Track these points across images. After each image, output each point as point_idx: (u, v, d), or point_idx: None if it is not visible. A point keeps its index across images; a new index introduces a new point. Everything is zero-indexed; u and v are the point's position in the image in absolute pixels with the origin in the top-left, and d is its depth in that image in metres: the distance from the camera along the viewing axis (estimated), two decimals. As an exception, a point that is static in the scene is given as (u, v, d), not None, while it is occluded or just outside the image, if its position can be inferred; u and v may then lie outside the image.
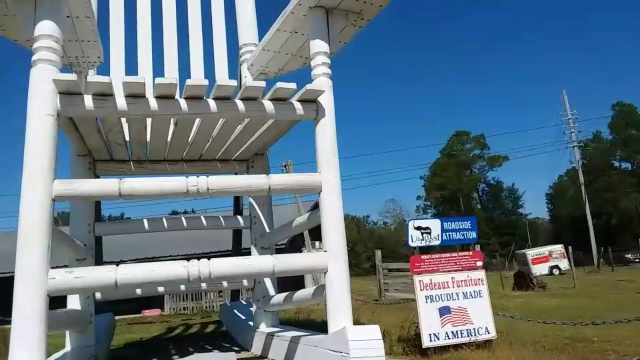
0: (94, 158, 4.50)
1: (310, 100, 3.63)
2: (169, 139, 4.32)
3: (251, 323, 4.80)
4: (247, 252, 4.66)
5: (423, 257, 4.22)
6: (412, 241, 4.30)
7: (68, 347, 4.12)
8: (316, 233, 17.87)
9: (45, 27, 3.09)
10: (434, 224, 4.36)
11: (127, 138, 4.24)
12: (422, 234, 4.24)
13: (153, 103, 3.26)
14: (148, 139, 4.25)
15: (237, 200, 5.84)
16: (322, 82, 3.65)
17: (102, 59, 3.98)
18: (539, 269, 26.95)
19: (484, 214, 50.29)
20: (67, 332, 4.10)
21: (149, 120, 3.96)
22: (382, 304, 9.91)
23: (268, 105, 3.53)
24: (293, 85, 3.51)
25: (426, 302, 4.08)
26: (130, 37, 4.58)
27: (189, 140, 4.46)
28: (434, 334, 4.01)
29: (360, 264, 49.01)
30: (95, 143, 4.17)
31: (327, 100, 3.67)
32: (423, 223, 4.33)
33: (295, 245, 17.54)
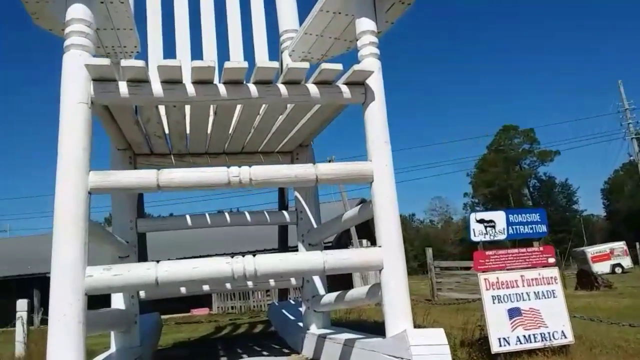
0: (134, 152, 4.35)
1: (358, 83, 3.33)
2: (209, 130, 4.11)
3: (301, 324, 4.53)
4: (294, 250, 4.40)
5: (488, 253, 3.83)
6: (474, 235, 3.92)
7: (113, 348, 3.97)
8: (364, 230, 17.54)
9: (77, 11, 2.93)
10: (499, 217, 3.96)
11: (167, 130, 4.06)
12: (486, 227, 3.85)
13: (190, 89, 3.05)
14: (188, 130, 4.06)
15: (282, 195, 5.60)
16: (370, 62, 3.35)
17: (139, 48, 3.81)
18: (600, 267, 25.61)
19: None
20: (112, 333, 3.95)
21: (187, 110, 3.75)
22: (435, 304, 9.48)
23: (312, 89, 3.26)
24: (339, 67, 3.21)
25: (493, 302, 3.70)
26: (167, 24, 4.41)
27: (230, 131, 4.24)
28: (504, 338, 3.63)
29: (407, 262, 48.10)
30: (134, 136, 4.00)
31: (376, 82, 3.36)
32: (486, 215, 3.94)
33: (341, 243, 17.24)
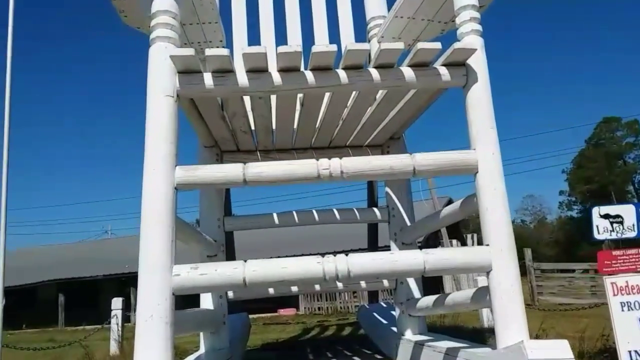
0: (221, 149, 4.27)
1: (459, 64, 2.99)
2: (295, 124, 3.94)
3: (394, 329, 4.24)
4: (384, 250, 4.11)
5: (615, 253, 3.32)
6: (598, 233, 3.41)
7: (202, 349, 3.90)
8: (453, 232, 16.80)
9: (163, 3, 2.85)
10: (627, 211, 3.41)
11: (252, 125, 3.93)
12: (612, 223, 3.33)
13: (276, 77, 2.87)
14: (274, 124, 3.91)
15: (372, 191, 5.32)
16: (472, 40, 2.99)
17: (225, 42, 3.70)
18: None
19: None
20: (201, 333, 3.88)
21: (273, 103, 3.60)
22: (536, 309, 8.77)
23: (407, 72, 2.96)
24: (438, 45, 2.89)
25: (622, 310, 3.19)
26: (251, 14, 4.30)
27: (317, 124, 4.03)
28: (636, 352, 3.12)
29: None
30: (220, 132, 3.91)
31: (479, 62, 3.00)
32: (612, 209, 3.42)
33: (429, 245, 16.66)
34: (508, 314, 2.67)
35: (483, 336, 4.74)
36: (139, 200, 2.69)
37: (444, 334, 4.35)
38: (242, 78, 2.87)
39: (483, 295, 2.88)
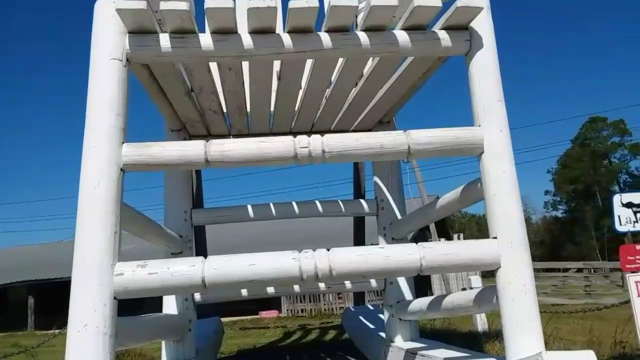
0: (190, 134, 3.79)
1: (461, 27, 2.57)
2: (272, 104, 3.48)
3: (383, 334, 3.79)
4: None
5: (639, 247, 2.91)
6: (620, 224, 2.99)
7: (165, 360, 3.42)
8: (441, 230, 16.34)
9: (110, -51, 2.38)
10: (654, 198, 2.99)
11: (224, 105, 3.46)
12: (635, 212, 2.92)
13: (247, 40, 2.42)
14: (248, 104, 3.44)
15: (358, 181, 4.87)
16: None
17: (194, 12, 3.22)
18: None
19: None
20: (163, 343, 3.40)
21: (246, 76, 3.14)
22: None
23: (401, 36, 2.53)
24: (438, 2, 2.46)
25: (647, 313, 2.79)
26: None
27: (297, 105, 3.58)
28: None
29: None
30: (186, 112, 3.43)
31: (484, 25, 2.58)
32: (636, 197, 3.00)
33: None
34: (520, 319, 2.24)
35: (479, 342, 4.33)
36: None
37: (436, 339, 3.92)
38: (206, 40, 2.41)
39: (489, 296, 2.45)
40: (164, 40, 2.39)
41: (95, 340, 1.99)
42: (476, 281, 6.26)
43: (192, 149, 2.32)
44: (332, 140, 2.40)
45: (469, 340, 4.36)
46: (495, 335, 4.44)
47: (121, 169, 2.24)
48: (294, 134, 3.98)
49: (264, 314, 14.83)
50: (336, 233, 9.76)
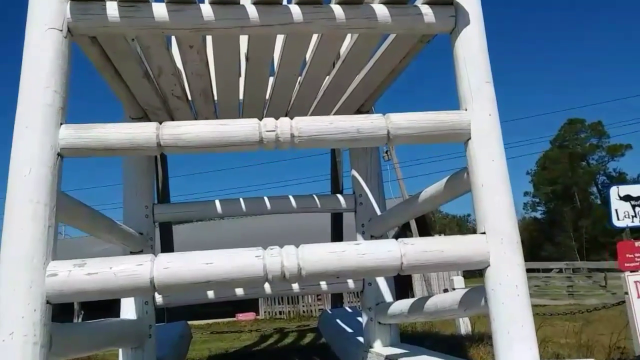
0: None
1: (445, 2, 2.32)
2: (241, 89, 3.20)
3: (361, 339, 3.53)
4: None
5: (639, 244, 2.68)
6: (617, 219, 2.77)
7: (121, 370, 3.12)
8: (422, 230, 16.15)
9: None
10: (653, 191, 2.76)
11: (187, 89, 3.17)
12: (634, 206, 2.68)
13: (207, 10, 2.14)
14: (214, 88, 3.16)
15: (336, 175, 4.61)
16: (461, -28, 2.34)
17: None
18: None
19: (605, 209, 44.85)
20: (120, 351, 3.10)
21: (210, 57, 2.86)
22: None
23: (380, 10, 2.27)
24: (420, -28, 2.22)
25: (647, 315, 2.57)
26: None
27: (268, 92, 3.32)
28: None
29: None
30: (146, 97, 3.13)
31: (471, 0, 2.35)
32: (634, 190, 2.77)
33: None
34: (512, 325, 2.00)
35: (463, 346, 4.10)
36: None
37: (417, 343, 3.68)
38: (160, 10, 2.13)
39: (476, 298, 2.20)
40: (111, 8, 2.10)
41: (23, 351, 1.70)
42: (459, 282, 6.04)
43: (141, 131, 2.03)
44: (302, 124, 2.13)
45: (452, 344, 4.14)
46: (479, 338, 4.22)
47: (58, 154, 1.95)
48: (266, 123, 3.73)
49: (241, 316, 14.48)
50: (313, 228, 9.48)
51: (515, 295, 2.03)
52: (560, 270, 13.13)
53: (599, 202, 47.74)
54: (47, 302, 1.80)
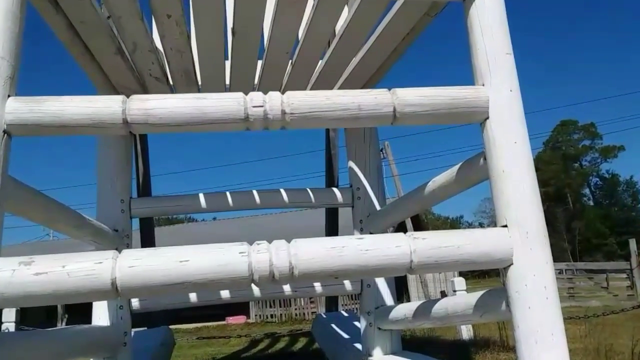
0: (129, 108, 3.17)
1: (458, -37, 2.04)
2: (228, 69, 2.90)
3: (359, 346, 3.23)
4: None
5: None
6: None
7: (94, 382, 2.79)
8: (418, 229, 15.75)
9: None
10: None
11: (167, 69, 2.86)
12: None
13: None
14: (197, 67, 2.85)
15: (331, 167, 4.30)
16: None
17: None
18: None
19: (598, 211, 44.92)
20: (90, 360, 2.77)
21: (192, 29, 2.56)
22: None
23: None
24: None
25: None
26: None
27: (258, 74, 3.02)
28: None
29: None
30: (121, 78, 2.81)
31: (487, -39, 2.06)
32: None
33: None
34: (541, 332, 1.71)
35: (468, 352, 3.82)
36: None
37: (419, 350, 3.38)
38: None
39: (495, 302, 1.91)
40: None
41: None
42: (460, 283, 5.74)
43: (104, 105, 1.71)
44: (295, 99, 1.83)
45: (456, 351, 3.85)
46: (485, 344, 3.94)
47: (4, 131, 1.63)
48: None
49: (231, 319, 14.10)
50: (308, 227, 9.18)
51: (543, 298, 1.74)
52: (561, 272, 12.92)
53: (592, 203, 47.81)
54: (-14, 308, 1.48)
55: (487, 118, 1.92)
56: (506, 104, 1.91)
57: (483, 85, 1.95)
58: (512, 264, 1.78)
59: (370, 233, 3.20)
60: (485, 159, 1.95)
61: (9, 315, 5.77)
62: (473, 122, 1.98)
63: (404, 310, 2.71)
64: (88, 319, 2.89)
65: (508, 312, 1.80)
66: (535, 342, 1.71)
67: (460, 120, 1.98)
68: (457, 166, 2.22)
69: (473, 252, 1.80)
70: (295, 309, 14.93)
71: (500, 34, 2.00)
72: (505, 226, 1.82)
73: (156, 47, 2.65)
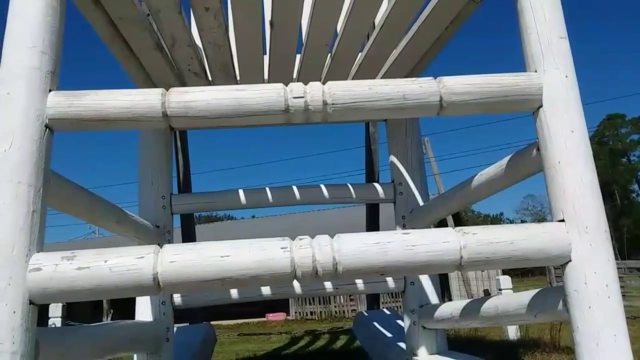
0: (169, 104, 3.17)
1: (507, -57, 1.93)
2: (266, 62, 2.86)
3: (403, 345, 3.14)
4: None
5: None
6: None
7: (137, 377, 2.81)
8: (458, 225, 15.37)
9: None
10: None
11: (206, 63, 2.85)
12: None
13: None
14: (235, 61, 2.83)
15: (371, 162, 4.21)
16: None
17: None
18: None
19: (647, 208, 43.15)
20: (135, 357, 2.79)
21: (231, 24, 2.52)
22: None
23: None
24: None
25: None
26: None
27: (296, 67, 2.97)
28: None
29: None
30: (161, 73, 2.81)
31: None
32: None
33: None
34: (603, 334, 1.59)
35: (516, 353, 3.67)
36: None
37: (465, 350, 3.26)
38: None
39: (552, 301, 1.79)
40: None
41: (-1, 364, 1.39)
42: (505, 281, 5.54)
43: (143, 99, 1.69)
44: (337, 89, 1.77)
45: (504, 351, 3.71)
46: (534, 344, 3.78)
47: (46, 126, 1.63)
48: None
49: (271, 316, 14.18)
50: (347, 221, 9.10)
51: (605, 297, 1.62)
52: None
53: (640, 199, 45.89)
54: (30, 303, 1.48)
55: (541, 106, 1.81)
56: (562, 91, 1.79)
57: (536, 71, 1.84)
58: (570, 260, 1.67)
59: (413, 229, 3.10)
60: (538, 149, 1.84)
61: (56, 310, 5.95)
62: (525, 110, 1.87)
63: (450, 308, 2.61)
64: (132, 315, 2.92)
65: (565, 312, 1.69)
66: (596, 344, 1.59)
67: (511, 108, 1.87)
68: (507, 158, 2.11)
69: (527, 248, 1.69)
70: (335, 307, 14.88)
71: (555, 16, 1.88)
72: (562, 220, 1.70)
73: (195, 43, 2.63)
